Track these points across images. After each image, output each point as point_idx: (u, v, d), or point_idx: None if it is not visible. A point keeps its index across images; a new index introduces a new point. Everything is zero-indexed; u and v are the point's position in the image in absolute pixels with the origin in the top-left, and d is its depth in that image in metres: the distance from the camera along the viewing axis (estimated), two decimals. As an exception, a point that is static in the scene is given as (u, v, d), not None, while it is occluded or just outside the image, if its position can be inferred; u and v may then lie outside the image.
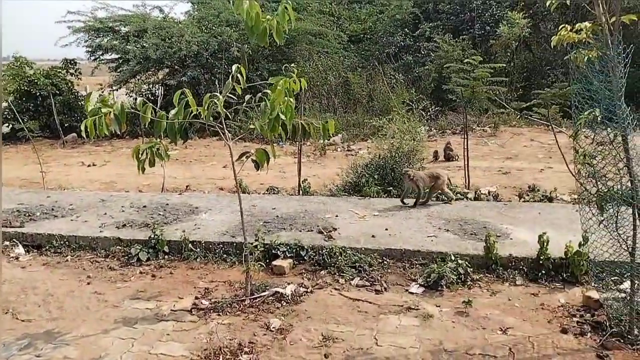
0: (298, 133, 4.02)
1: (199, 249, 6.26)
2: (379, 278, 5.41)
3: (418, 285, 5.24)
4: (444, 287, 5.14)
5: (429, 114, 14.23)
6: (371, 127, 14.73)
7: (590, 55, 3.80)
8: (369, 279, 5.41)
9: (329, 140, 14.52)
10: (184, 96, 3.60)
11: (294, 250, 5.99)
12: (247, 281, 5.07)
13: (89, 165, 13.40)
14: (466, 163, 9.43)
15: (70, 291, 5.37)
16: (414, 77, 18.97)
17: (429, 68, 18.49)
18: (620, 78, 3.60)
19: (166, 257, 6.23)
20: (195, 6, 22.47)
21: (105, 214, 7.71)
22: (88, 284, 5.58)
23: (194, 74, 17.84)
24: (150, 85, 20.21)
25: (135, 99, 17.74)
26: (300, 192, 9.01)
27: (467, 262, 5.40)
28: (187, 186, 10.22)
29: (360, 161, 9.45)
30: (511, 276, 5.39)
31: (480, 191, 8.59)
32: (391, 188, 8.50)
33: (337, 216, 7.24)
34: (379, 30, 20.69)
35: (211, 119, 4.17)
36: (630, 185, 3.74)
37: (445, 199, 7.84)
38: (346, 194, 8.67)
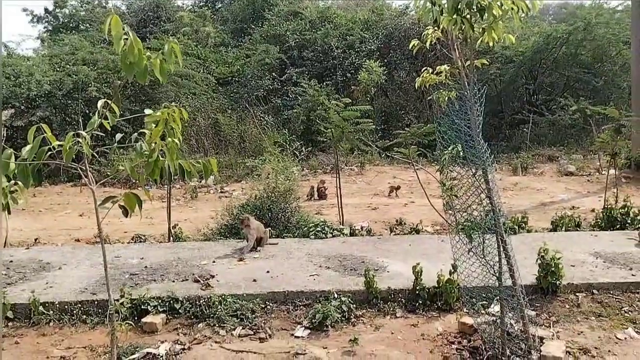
0: (174, 174, 3.69)
1: (52, 311, 5.41)
2: (262, 325, 5.15)
3: (303, 328, 5.09)
4: (330, 326, 5.06)
5: (301, 154, 14.55)
6: (244, 168, 14.60)
7: (450, 95, 4.13)
8: (252, 327, 5.12)
9: (201, 181, 14.03)
10: (40, 133, 3.07)
11: (166, 304, 5.46)
12: (112, 344, 4.43)
13: None
14: (339, 200, 9.69)
15: None
16: (283, 119, 19.45)
17: (297, 111, 19.09)
18: (477, 116, 3.95)
19: (10, 324, 5.28)
20: (45, 43, 20.67)
21: None
22: None
23: (45, 114, 16.22)
24: (-11, 127, 17.85)
25: None
26: (171, 238, 8.41)
27: (349, 299, 5.41)
28: (36, 239, 8.94)
29: (236, 202, 9.17)
30: (391, 309, 5.49)
31: (354, 227, 8.83)
32: (269, 228, 8.35)
33: (214, 262, 6.84)
34: (247, 73, 20.95)
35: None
36: (493, 214, 4.06)
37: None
38: (223, 237, 8.30)
